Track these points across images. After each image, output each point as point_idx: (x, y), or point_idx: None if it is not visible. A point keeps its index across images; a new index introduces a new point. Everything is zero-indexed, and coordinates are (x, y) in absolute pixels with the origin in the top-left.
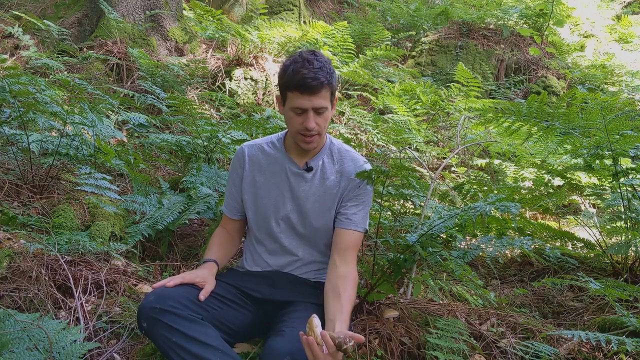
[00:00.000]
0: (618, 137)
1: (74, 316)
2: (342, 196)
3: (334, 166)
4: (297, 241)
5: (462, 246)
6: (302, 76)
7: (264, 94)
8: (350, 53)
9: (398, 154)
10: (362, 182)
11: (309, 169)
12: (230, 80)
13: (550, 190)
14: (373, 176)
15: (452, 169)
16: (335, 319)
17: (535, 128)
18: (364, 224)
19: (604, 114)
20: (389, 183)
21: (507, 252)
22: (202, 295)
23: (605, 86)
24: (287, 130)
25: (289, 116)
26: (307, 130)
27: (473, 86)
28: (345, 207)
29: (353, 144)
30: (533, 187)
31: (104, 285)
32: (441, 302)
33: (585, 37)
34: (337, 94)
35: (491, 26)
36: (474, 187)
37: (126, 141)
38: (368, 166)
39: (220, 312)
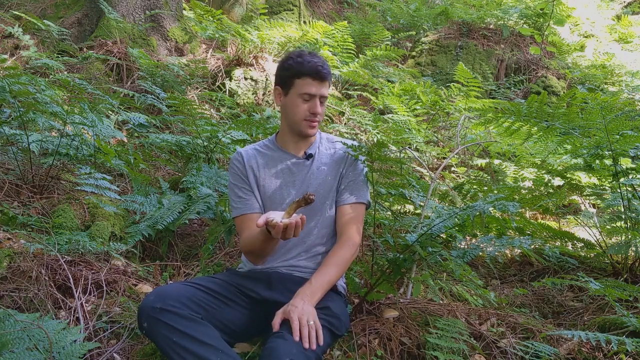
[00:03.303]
0: (618, 137)
1: (74, 316)
2: (341, 176)
3: (328, 151)
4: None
5: (462, 246)
6: (314, 64)
7: (264, 94)
8: (350, 53)
9: (398, 154)
10: (353, 161)
11: (308, 157)
12: (230, 80)
13: (550, 190)
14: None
15: (452, 169)
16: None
17: (535, 128)
18: (360, 196)
19: (604, 114)
20: (388, 182)
21: (507, 252)
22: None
23: (605, 86)
24: (275, 133)
25: (294, 104)
26: (313, 116)
27: (473, 86)
28: (342, 185)
29: None
30: (533, 187)
31: (104, 285)
32: (441, 302)
33: (585, 37)
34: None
35: (491, 26)
36: (474, 187)
37: (126, 141)
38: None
39: (220, 312)
